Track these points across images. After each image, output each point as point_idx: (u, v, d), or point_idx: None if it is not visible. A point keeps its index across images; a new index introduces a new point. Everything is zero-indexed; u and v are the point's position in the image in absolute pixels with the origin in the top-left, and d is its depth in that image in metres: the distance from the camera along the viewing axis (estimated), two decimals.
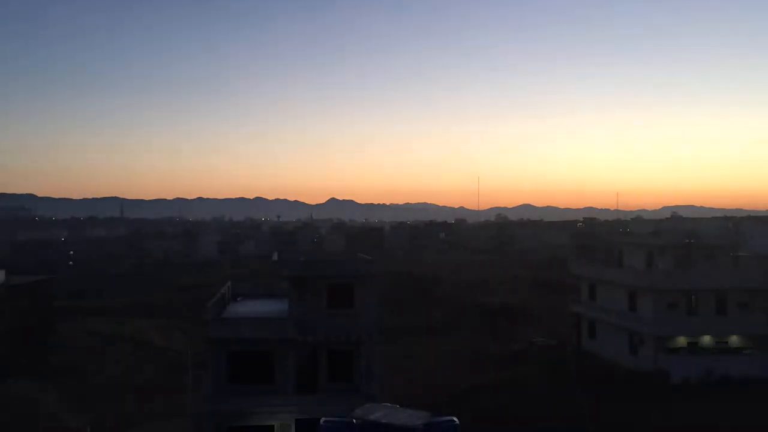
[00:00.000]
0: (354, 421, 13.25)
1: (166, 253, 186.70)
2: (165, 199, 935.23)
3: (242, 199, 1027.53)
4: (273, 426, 27.89)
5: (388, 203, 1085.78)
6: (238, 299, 35.63)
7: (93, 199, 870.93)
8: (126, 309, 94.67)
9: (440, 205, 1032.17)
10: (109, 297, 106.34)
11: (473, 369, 51.86)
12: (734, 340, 45.06)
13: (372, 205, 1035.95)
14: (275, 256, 33.33)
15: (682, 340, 44.75)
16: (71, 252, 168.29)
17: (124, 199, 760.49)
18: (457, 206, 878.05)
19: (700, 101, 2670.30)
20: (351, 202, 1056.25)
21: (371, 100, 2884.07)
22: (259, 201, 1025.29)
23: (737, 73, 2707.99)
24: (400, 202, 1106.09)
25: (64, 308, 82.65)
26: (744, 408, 35.56)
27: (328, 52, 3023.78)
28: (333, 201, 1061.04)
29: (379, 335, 29.66)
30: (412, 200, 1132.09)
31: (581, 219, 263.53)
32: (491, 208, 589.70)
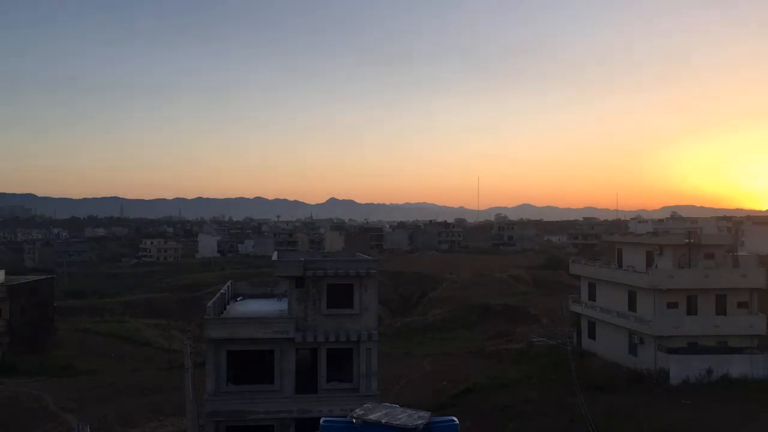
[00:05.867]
0: (354, 421, 13.23)
1: (166, 253, 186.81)
2: (165, 199, 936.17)
3: (242, 199, 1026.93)
4: (273, 426, 27.90)
5: (388, 203, 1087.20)
6: (238, 299, 35.60)
7: (93, 199, 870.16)
8: (126, 309, 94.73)
9: (440, 205, 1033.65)
10: (109, 297, 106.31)
11: (473, 369, 51.86)
12: (734, 340, 45.02)
13: (372, 205, 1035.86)
14: (275, 256, 33.29)
15: (682, 340, 44.72)
16: (71, 252, 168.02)
17: (124, 199, 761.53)
18: (457, 206, 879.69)
19: (700, 100, 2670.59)
20: (351, 202, 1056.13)
21: (371, 100, 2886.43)
22: (259, 201, 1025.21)
23: (737, 73, 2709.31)
24: (400, 202, 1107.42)
25: (64, 308, 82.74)
26: (744, 408, 35.54)
27: (328, 51, 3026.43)
28: (333, 201, 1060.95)
29: (379, 335, 29.66)
30: (412, 200, 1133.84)
31: (581, 219, 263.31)
32: (491, 208, 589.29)
